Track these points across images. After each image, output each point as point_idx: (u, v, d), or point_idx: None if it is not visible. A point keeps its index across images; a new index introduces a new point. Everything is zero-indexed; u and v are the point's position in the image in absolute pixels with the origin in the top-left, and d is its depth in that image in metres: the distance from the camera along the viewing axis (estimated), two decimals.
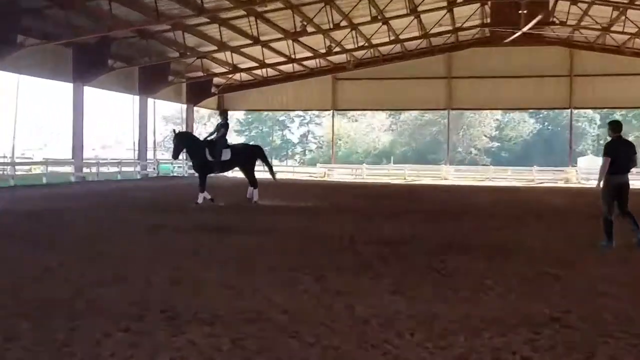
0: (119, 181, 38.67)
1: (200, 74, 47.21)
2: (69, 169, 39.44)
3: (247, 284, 8.50)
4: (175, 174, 49.30)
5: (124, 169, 43.01)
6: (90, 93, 41.36)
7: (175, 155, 21.27)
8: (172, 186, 33.76)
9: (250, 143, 26.47)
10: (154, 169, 47.71)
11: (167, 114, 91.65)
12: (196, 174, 22.02)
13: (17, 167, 36.19)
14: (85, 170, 39.93)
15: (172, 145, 21.14)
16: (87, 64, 36.15)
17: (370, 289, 8.39)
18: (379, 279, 9.05)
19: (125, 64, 39.80)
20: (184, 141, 21.03)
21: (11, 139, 48.46)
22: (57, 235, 12.88)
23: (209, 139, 21.13)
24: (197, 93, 51.02)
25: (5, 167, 37.00)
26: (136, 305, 7.22)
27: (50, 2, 29.07)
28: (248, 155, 21.82)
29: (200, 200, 20.31)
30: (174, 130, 21.16)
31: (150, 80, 43.15)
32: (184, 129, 53.47)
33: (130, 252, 10.86)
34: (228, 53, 42.80)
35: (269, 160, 23.62)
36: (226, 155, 20.83)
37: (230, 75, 49.44)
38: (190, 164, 21.11)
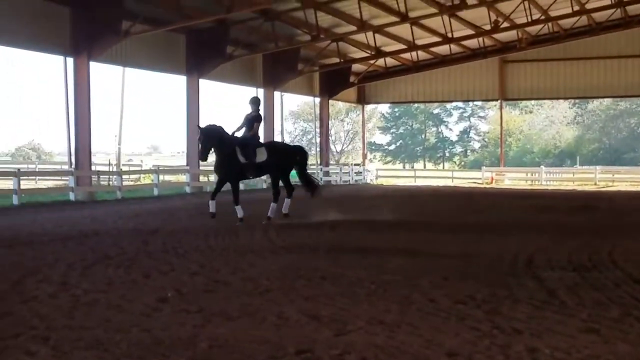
0: (244, 191, 39.39)
1: (336, 60, 47.64)
2: (183, 177, 40.74)
3: (400, 318, 8.42)
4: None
5: None
6: (207, 86, 42.52)
7: (204, 157, 19.85)
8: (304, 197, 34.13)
9: (294, 143, 22.87)
10: None
11: (296, 109, 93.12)
12: (224, 181, 20.21)
13: (124, 177, 37.67)
14: (202, 178, 41.12)
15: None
16: (203, 52, 37.29)
17: (556, 326, 8.14)
18: (567, 313, 8.77)
19: (247, 52, 40.74)
20: (212, 138, 19.34)
21: (117, 143, 50.68)
22: (173, 259, 13.26)
23: (237, 134, 20.03)
24: (332, 83, 51.57)
25: (111, 176, 38.69)
26: (268, 344, 7.29)
27: None
28: (290, 156, 20.92)
29: (241, 215, 19.74)
30: (198, 126, 20.20)
31: (277, 69, 44.00)
32: (318, 126, 54.36)
33: (254, 278, 11.01)
34: (370, 34, 42.99)
35: (308, 169, 22.01)
36: (261, 155, 19.90)
37: (372, 61, 49.63)
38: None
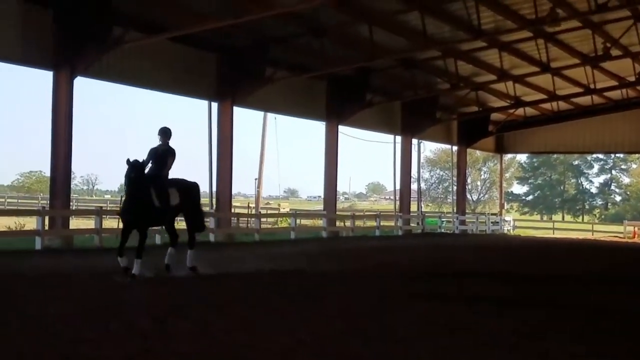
0: (376, 238, 39.50)
1: (475, 109, 47.32)
2: (320, 221, 41.01)
3: None
4: (443, 230, 49.56)
5: (383, 222, 43.91)
6: (345, 131, 42.84)
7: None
8: (441, 246, 33.89)
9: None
10: (418, 223, 48.28)
11: (433, 156, 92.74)
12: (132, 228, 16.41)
13: (262, 220, 38.18)
14: (338, 223, 41.30)
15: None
16: (343, 98, 37.62)
17: None
18: None
19: (386, 99, 40.92)
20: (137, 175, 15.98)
21: (255, 187, 51.52)
22: (310, 302, 13.28)
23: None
24: (470, 132, 51.15)
25: (250, 219, 39.30)
26: None
27: (301, 30, 30.68)
28: (194, 195, 17.72)
29: (137, 272, 15.71)
30: (128, 160, 15.89)
31: (415, 117, 43.98)
32: (455, 175, 53.94)
33: (392, 325, 10.89)
34: (509, 83, 42.55)
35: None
36: (174, 198, 16.67)
37: (511, 110, 49.02)
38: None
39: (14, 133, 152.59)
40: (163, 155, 16.53)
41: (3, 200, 65.48)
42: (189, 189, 17.18)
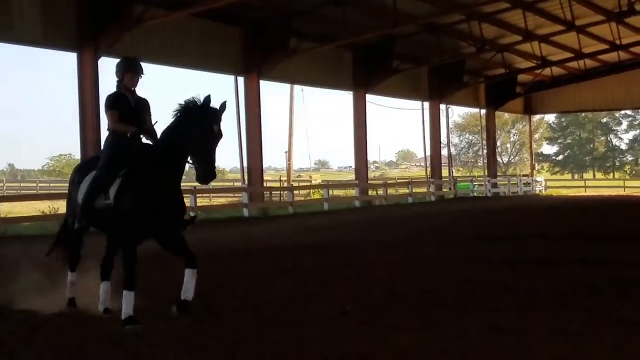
0: (410, 205, 39.41)
1: (501, 71, 46.90)
2: (352, 191, 40.96)
3: (586, 329, 8.06)
4: (476, 194, 49.37)
5: (415, 189, 43.76)
6: (372, 100, 42.72)
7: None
8: (475, 209, 33.76)
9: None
10: (450, 188, 48.11)
11: (461, 121, 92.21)
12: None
13: (294, 192, 38.16)
14: (370, 192, 41.21)
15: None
16: (369, 67, 37.41)
17: None
18: None
19: (412, 65, 40.62)
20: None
21: (286, 160, 51.53)
22: (349, 272, 13.24)
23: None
24: (498, 94, 50.75)
25: (283, 192, 39.30)
26: (450, 355, 7.10)
27: (323, 0, 30.44)
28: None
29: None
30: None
31: (442, 82, 43.68)
32: (485, 138, 53.61)
33: (432, 290, 10.82)
34: (535, 44, 42.07)
35: None
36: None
37: (538, 71, 48.57)
38: None
39: (42, 117, 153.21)
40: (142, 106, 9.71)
41: (34, 185, 65.81)
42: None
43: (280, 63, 31.97)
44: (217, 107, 8.76)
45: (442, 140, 48.46)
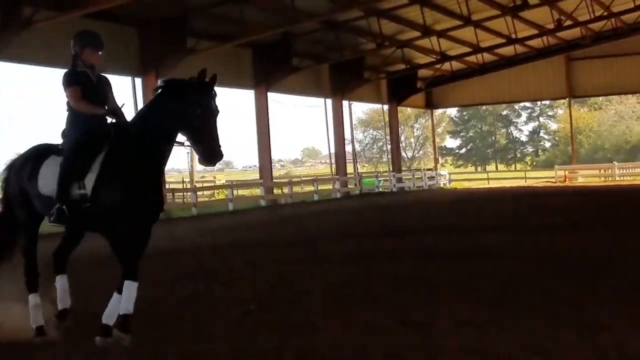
0: (316, 202, 39.55)
1: (402, 66, 47.46)
2: (257, 191, 40.92)
3: (491, 319, 8.26)
4: (381, 189, 49.83)
5: (321, 187, 43.96)
6: (275, 99, 42.71)
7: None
8: (381, 206, 34.08)
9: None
10: (355, 184, 48.46)
11: (365, 117, 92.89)
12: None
13: (198, 193, 37.94)
14: (276, 191, 41.24)
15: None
16: (269, 65, 37.38)
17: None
18: None
19: (312, 62, 40.77)
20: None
21: (189, 161, 51.07)
22: (253, 271, 13.26)
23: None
24: (400, 90, 51.35)
25: (186, 193, 39.01)
26: (355, 351, 7.19)
27: None
28: None
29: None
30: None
31: (343, 78, 43.95)
32: (388, 134, 54.15)
33: (335, 286, 10.92)
34: (434, 39, 42.72)
35: None
36: None
37: (438, 66, 49.31)
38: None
39: None
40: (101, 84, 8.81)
41: None
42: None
43: (177, 63, 31.68)
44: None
45: (346, 137, 48.74)
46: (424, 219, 23.70)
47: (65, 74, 8.54)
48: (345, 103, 47.19)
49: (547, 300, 9.13)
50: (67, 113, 8.51)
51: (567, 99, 55.78)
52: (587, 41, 47.39)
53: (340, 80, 44.01)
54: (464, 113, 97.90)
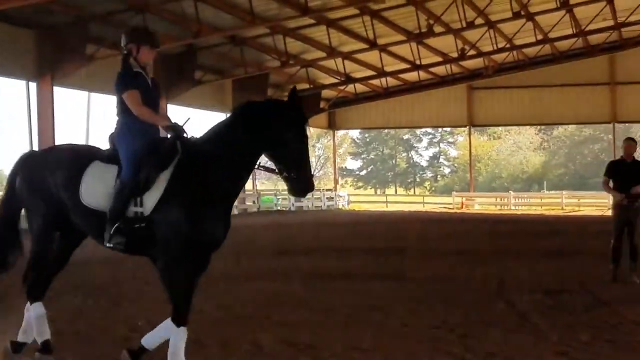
0: None
1: (306, 86, 47.65)
2: None
3: (378, 344, 8.38)
4: (279, 208, 49.90)
5: None
6: (176, 111, 42.30)
7: None
8: (279, 225, 34.14)
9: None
10: (254, 202, 48.41)
11: None
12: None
13: None
14: None
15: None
16: (171, 77, 37.01)
17: (528, 349, 8.15)
18: (539, 336, 8.78)
19: (215, 77, 40.64)
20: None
21: None
22: (142, 287, 13.14)
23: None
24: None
25: None
26: None
27: (123, 6, 29.96)
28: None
29: None
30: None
31: (247, 95, 43.79)
32: None
33: (229, 306, 10.91)
34: (339, 60, 43.08)
35: None
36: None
37: (342, 87, 49.74)
38: None
39: None
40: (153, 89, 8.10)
41: None
42: None
43: (77, 69, 31.14)
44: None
45: None
46: (318, 239, 23.87)
47: (121, 74, 7.67)
48: None
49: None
50: (120, 117, 7.59)
51: (468, 126, 56.91)
52: (489, 71, 48.58)
53: (243, 97, 43.82)
54: (366, 135, 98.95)
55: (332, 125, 59.70)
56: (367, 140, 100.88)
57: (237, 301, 11.38)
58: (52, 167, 7.52)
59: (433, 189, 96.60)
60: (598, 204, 50.42)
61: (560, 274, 14.49)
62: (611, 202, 14.00)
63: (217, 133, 7.25)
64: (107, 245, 7.22)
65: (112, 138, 7.56)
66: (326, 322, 9.72)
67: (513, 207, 52.47)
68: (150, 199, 7.05)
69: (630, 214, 13.36)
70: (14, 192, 7.85)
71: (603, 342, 8.51)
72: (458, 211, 50.13)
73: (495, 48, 42.69)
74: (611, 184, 13.74)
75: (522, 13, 37.20)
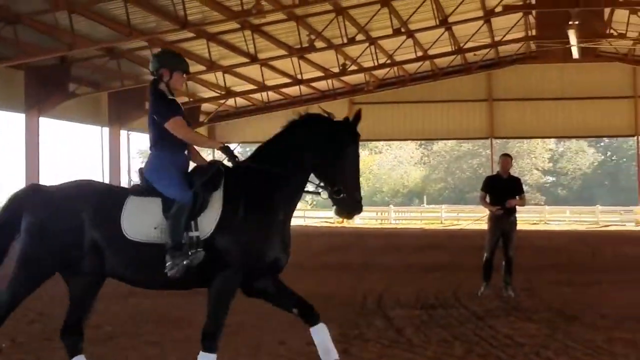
0: None
1: (185, 99, 47.34)
2: None
3: None
4: None
5: None
6: (49, 125, 41.53)
7: None
8: None
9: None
10: None
11: (145, 148, 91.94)
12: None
13: None
14: None
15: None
16: (43, 90, 36.09)
17: None
18: (414, 351, 8.88)
19: (91, 89, 39.93)
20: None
21: None
22: None
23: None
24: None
25: None
26: None
27: None
28: None
29: None
30: None
31: (124, 108, 43.28)
32: None
33: (98, 325, 10.71)
34: (219, 74, 42.90)
35: None
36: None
37: (222, 101, 49.54)
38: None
39: None
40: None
41: None
42: None
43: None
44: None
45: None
46: None
47: (158, 102, 7.48)
48: (124, 133, 46.45)
49: None
50: (153, 149, 7.46)
51: None
52: (370, 87, 49.22)
53: (120, 110, 43.30)
54: (247, 150, 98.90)
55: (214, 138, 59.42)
56: (249, 153, 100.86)
57: (109, 319, 11.16)
58: (80, 204, 7.14)
59: (314, 203, 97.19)
60: (476, 217, 51.82)
61: (437, 288, 14.70)
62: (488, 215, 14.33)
63: (272, 150, 7.62)
64: (171, 272, 6.92)
65: (142, 172, 7.49)
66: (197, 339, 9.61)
67: (393, 222, 53.22)
68: (207, 221, 6.92)
69: (506, 226, 13.74)
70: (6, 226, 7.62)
71: (476, 356, 8.67)
72: (339, 225, 50.47)
73: (376, 64, 43.22)
74: (488, 199, 14.08)
75: (402, 30, 37.84)
